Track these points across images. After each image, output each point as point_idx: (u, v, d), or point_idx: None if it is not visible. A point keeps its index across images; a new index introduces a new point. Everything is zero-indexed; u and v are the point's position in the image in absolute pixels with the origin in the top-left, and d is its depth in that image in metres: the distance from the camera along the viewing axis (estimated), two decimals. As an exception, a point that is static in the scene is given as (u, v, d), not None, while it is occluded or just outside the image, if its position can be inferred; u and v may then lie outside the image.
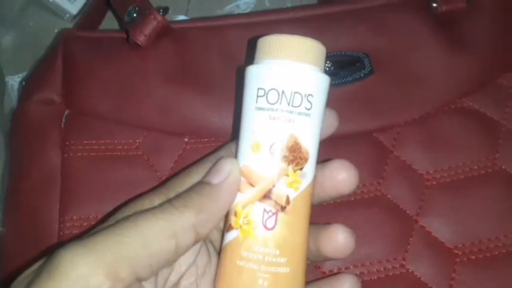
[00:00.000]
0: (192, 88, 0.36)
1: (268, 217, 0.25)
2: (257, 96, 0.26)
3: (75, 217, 0.33)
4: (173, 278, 0.26)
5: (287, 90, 0.26)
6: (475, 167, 0.36)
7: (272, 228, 0.25)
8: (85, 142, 0.34)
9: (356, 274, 0.29)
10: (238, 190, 0.26)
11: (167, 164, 0.35)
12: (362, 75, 0.38)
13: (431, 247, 0.33)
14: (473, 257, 0.33)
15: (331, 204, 0.35)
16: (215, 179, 0.26)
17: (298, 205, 0.26)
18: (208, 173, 0.27)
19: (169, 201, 0.25)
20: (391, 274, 0.32)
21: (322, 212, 0.34)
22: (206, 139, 0.36)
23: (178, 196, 0.26)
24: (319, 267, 0.33)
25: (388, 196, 0.35)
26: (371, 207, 0.34)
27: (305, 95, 0.26)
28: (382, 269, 0.33)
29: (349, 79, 0.38)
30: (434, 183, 0.35)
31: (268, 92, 0.26)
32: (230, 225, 0.26)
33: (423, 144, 0.36)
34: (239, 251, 0.25)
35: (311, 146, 0.26)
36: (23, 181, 0.33)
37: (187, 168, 0.29)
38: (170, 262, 0.24)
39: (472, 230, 0.34)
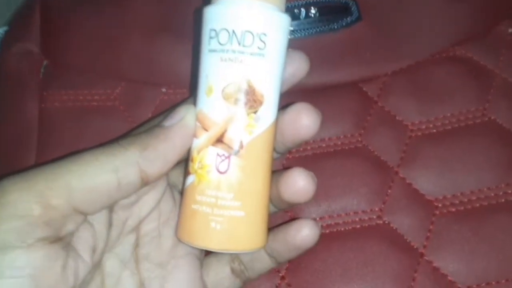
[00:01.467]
0: (171, 38, 0.35)
1: (221, 161, 0.25)
2: (209, 38, 0.26)
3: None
4: (131, 222, 0.26)
5: (237, 29, 0.25)
6: (463, 118, 0.34)
7: (225, 172, 0.25)
8: (62, 92, 0.35)
9: (315, 220, 0.28)
10: (194, 135, 0.26)
11: (144, 115, 0.35)
12: (349, 22, 0.36)
13: (410, 199, 0.32)
14: (453, 209, 0.32)
15: (310, 155, 0.34)
16: (167, 122, 0.26)
17: (253, 149, 0.25)
18: (163, 116, 0.27)
19: (116, 140, 0.25)
20: (366, 225, 0.32)
21: (301, 163, 0.33)
22: (185, 90, 0.36)
23: (128, 135, 0.26)
24: (292, 216, 0.33)
25: (369, 147, 0.34)
26: (351, 158, 0.34)
27: (257, 34, 0.25)
28: (357, 219, 0.32)
29: (335, 26, 0.36)
30: (419, 134, 0.34)
31: (219, 32, 0.25)
32: (188, 170, 0.27)
33: (410, 94, 0.35)
34: (194, 195, 0.25)
35: (266, 89, 0.25)
36: (1, 130, 0.34)
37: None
38: (114, 198, 0.24)
39: (455, 182, 0.32)
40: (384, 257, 0.31)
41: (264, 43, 0.25)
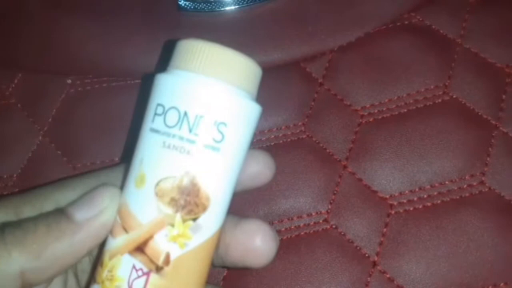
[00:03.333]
0: (78, 14, 0.30)
1: (137, 278, 0.19)
2: (154, 114, 0.20)
3: None
4: None
5: (191, 111, 0.19)
6: (421, 98, 0.29)
7: None
8: None
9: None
10: (111, 233, 0.20)
11: (48, 112, 0.29)
12: (286, -10, 0.31)
13: (360, 197, 0.28)
14: (411, 208, 0.27)
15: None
16: (81, 214, 0.20)
17: (182, 268, 0.19)
18: (76, 201, 0.20)
19: (2, 228, 0.19)
20: (311, 231, 0.27)
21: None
22: (95, 79, 0.30)
23: (21, 223, 0.19)
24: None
25: (313, 138, 0.29)
26: (293, 152, 0.29)
27: (215, 122, 0.19)
28: (301, 225, 0.27)
29: (270, -4, 0.31)
30: (370, 119, 0.29)
31: (167, 110, 0.19)
32: (94, 276, 0.20)
33: (360, 72, 0.30)
34: None
35: (215, 191, 0.20)
36: None
37: (70, 177, 0.22)
38: None
39: (412, 175, 0.27)
40: (331, 269, 0.26)
41: (223, 135, 0.19)
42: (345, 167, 0.28)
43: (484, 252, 0.25)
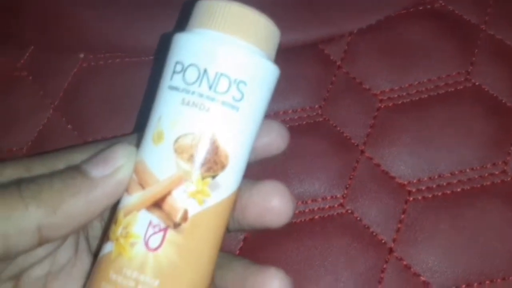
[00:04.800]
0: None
1: (154, 233, 0.18)
2: (173, 72, 0.19)
3: None
4: (14, 269, 0.20)
5: (211, 69, 0.19)
6: (442, 84, 0.28)
7: (155, 249, 0.18)
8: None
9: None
10: (126, 190, 0.19)
11: (59, 86, 0.29)
12: (307, -29, 0.30)
13: (378, 183, 0.27)
14: (429, 195, 0.26)
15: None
16: (97, 171, 0.19)
17: (200, 225, 0.19)
18: (92, 158, 0.20)
19: (18, 183, 0.18)
20: (326, 215, 0.27)
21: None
22: (106, 55, 0.29)
23: (35, 179, 0.19)
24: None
25: (331, 122, 0.28)
26: (310, 135, 0.28)
27: (234, 80, 0.19)
28: (315, 208, 0.27)
29: (291, -23, 0.30)
30: (390, 104, 0.28)
31: (186, 68, 0.19)
32: (108, 233, 0.20)
33: (380, 56, 0.29)
34: (107, 271, 0.19)
35: (234, 150, 0.19)
36: None
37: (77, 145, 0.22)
38: None
39: (432, 161, 0.27)
40: (346, 255, 0.26)
41: (242, 93, 0.19)
42: (362, 152, 0.28)
43: (505, 243, 0.25)
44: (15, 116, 0.28)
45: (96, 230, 0.23)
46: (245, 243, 0.27)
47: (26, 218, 0.17)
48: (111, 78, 0.30)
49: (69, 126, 0.29)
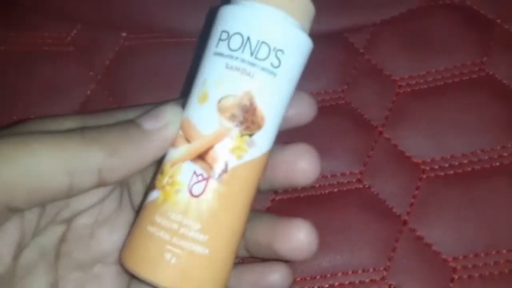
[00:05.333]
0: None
1: (197, 182, 0.21)
2: (219, 40, 0.22)
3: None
4: (65, 213, 0.22)
5: (253, 37, 0.21)
6: (458, 73, 0.30)
7: (198, 196, 0.21)
8: (8, 33, 0.31)
9: (286, 264, 0.24)
10: (172, 144, 0.22)
11: (102, 61, 0.31)
12: (335, -35, 0.32)
13: (394, 161, 0.29)
14: (442, 174, 0.28)
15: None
16: (149, 124, 0.21)
17: (237, 177, 0.21)
18: (144, 114, 0.22)
19: (81, 128, 0.21)
20: (345, 189, 0.29)
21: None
22: (148, 35, 0.32)
23: (94, 127, 0.21)
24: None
25: (352, 104, 0.30)
26: (331, 116, 0.30)
27: (274, 48, 0.21)
28: (335, 183, 0.29)
29: (320, -30, 0.32)
30: (408, 90, 0.30)
31: (231, 36, 0.21)
32: (154, 183, 0.22)
33: (400, 46, 0.31)
34: (153, 215, 0.21)
35: (269, 112, 0.21)
36: None
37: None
38: (59, 199, 0.20)
39: (445, 143, 0.29)
40: (363, 225, 0.28)
41: (280, 60, 0.21)
42: (380, 133, 0.30)
43: (511, 217, 0.27)
44: (62, 87, 0.31)
45: (137, 186, 0.25)
46: (268, 210, 0.29)
47: (88, 158, 0.20)
48: (149, 56, 0.32)
49: (110, 98, 0.31)
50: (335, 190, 0.29)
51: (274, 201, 0.29)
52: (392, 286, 0.26)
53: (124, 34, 0.32)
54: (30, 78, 0.31)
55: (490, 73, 0.30)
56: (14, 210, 0.19)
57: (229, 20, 0.22)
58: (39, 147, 0.19)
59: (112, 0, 0.32)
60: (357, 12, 0.32)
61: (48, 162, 0.19)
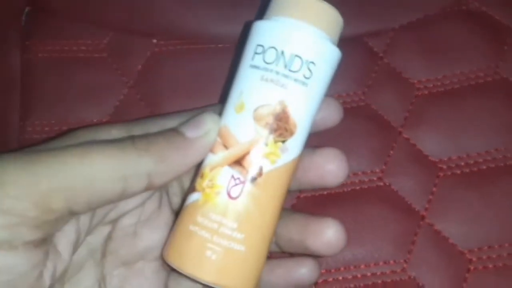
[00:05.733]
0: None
1: (235, 185, 0.23)
2: (254, 53, 0.23)
3: (36, 122, 0.32)
4: (113, 215, 0.24)
5: (287, 51, 0.23)
6: (473, 76, 0.32)
7: (235, 198, 0.22)
8: (46, 42, 0.33)
9: (314, 258, 0.26)
10: (211, 150, 0.24)
11: (134, 67, 0.33)
12: (355, -28, 0.34)
13: (413, 160, 0.31)
14: (458, 172, 0.30)
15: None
16: (191, 132, 0.23)
17: (271, 180, 0.23)
18: (185, 123, 0.24)
19: (131, 138, 0.23)
20: (366, 187, 0.31)
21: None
22: (178, 41, 0.33)
23: (143, 136, 0.23)
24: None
25: (372, 106, 0.32)
26: (352, 117, 0.32)
27: (306, 61, 0.23)
28: (357, 181, 0.31)
29: (340, -23, 0.34)
30: (426, 92, 0.32)
31: (266, 50, 0.23)
32: (194, 186, 0.24)
33: (418, 50, 0.33)
34: (195, 215, 0.23)
35: (301, 120, 0.23)
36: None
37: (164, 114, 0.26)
38: (111, 202, 0.22)
39: (461, 143, 0.31)
40: (384, 220, 0.30)
41: (311, 72, 0.23)
42: (400, 133, 0.32)
43: (524, 213, 0.29)
44: (97, 92, 0.33)
45: (175, 188, 0.27)
46: (293, 206, 0.31)
47: (140, 164, 0.22)
48: (179, 62, 0.34)
49: (142, 103, 0.33)
50: (357, 188, 0.31)
51: (299, 198, 0.31)
52: (412, 277, 0.29)
53: (154, 41, 0.33)
54: (67, 84, 0.33)
55: (505, 76, 0.32)
56: (73, 214, 0.21)
57: (264, 35, 0.23)
58: (97, 156, 0.21)
59: (143, 8, 0.33)
60: (376, 18, 0.34)
61: (105, 170, 0.21)
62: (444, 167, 0.31)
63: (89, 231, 0.24)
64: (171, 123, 0.25)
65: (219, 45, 0.34)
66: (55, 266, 0.21)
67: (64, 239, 0.22)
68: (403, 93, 0.32)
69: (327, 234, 0.24)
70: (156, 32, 0.33)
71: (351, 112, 0.32)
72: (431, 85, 0.32)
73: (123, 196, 0.22)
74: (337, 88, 0.33)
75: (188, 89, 0.33)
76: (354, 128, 0.32)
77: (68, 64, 0.33)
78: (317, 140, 0.26)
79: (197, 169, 0.25)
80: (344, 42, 0.34)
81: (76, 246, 0.23)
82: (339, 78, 0.34)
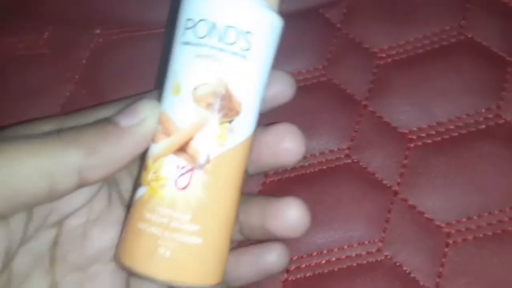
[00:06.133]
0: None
1: (181, 175, 0.21)
2: (185, 28, 0.21)
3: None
4: (54, 217, 0.22)
5: (220, 22, 0.20)
6: (437, 39, 0.30)
7: (184, 188, 0.21)
8: (-22, 41, 0.30)
9: (282, 243, 0.25)
10: (153, 140, 0.22)
11: (79, 61, 0.31)
12: None
13: (381, 133, 0.29)
14: (429, 141, 0.28)
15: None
16: (125, 121, 0.21)
17: (222, 165, 0.21)
18: (120, 111, 0.22)
19: (57, 131, 0.20)
20: (334, 165, 0.29)
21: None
22: (121, 30, 0.31)
23: (71, 128, 0.21)
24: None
25: (334, 81, 0.30)
26: (314, 94, 0.30)
27: (242, 32, 0.21)
28: (324, 160, 0.29)
29: None
30: (389, 61, 0.30)
31: (197, 23, 0.21)
32: (139, 180, 0.22)
33: (376, 17, 0.31)
34: (142, 212, 0.21)
35: (245, 97, 0.21)
36: None
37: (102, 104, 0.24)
38: (41, 203, 0.20)
39: (430, 111, 0.29)
40: (355, 199, 0.28)
41: (249, 43, 0.21)
42: (365, 106, 0.30)
43: (501, 177, 0.27)
44: (40, 90, 0.30)
45: (126, 183, 0.25)
46: (259, 193, 0.29)
47: (67, 158, 0.19)
48: (125, 50, 0.32)
49: (90, 98, 0.31)
50: (324, 167, 0.29)
51: (265, 184, 0.29)
52: (388, 256, 0.27)
53: (97, 31, 0.31)
54: (7, 84, 0.30)
55: (469, 36, 0.30)
56: None
57: (193, 7, 0.21)
58: (15, 153, 0.19)
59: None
60: (331, -13, 0.32)
61: (26, 166, 0.19)
62: (414, 137, 0.29)
63: (28, 237, 0.21)
64: (108, 112, 0.23)
65: (159, 30, 0.32)
66: None
67: None
68: (365, 63, 0.30)
69: (288, 214, 0.22)
70: (98, 22, 0.31)
71: (312, 88, 0.30)
72: (394, 53, 0.30)
73: (53, 195, 0.20)
74: (295, 64, 0.31)
75: (138, 78, 0.31)
76: (316, 105, 0.30)
77: (6, 62, 0.31)
78: (276, 120, 0.24)
79: (143, 161, 0.23)
80: (299, 16, 0.32)
81: (10, 253, 0.20)
82: (296, 54, 0.32)
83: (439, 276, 0.26)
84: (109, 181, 0.24)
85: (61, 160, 0.19)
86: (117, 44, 0.31)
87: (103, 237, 0.24)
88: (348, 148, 0.29)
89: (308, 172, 0.29)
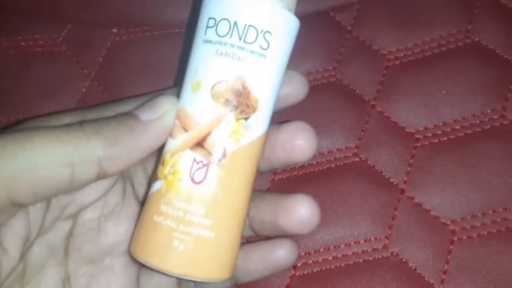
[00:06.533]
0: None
1: (198, 169, 0.21)
2: (207, 27, 0.22)
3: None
4: (71, 209, 0.23)
5: (240, 21, 0.21)
6: (444, 42, 0.31)
7: (200, 182, 0.21)
8: (1, 38, 0.31)
9: (292, 239, 0.25)
10: (170, 135, 0.22)
11: (95, 59, 0.32)
12: None
13: (388, 133, 0.30)
14: (436, 141, 0.29)
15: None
16: (146, 115, 0.22)
17: (237, 161, 0.22)
18: (140, 106, 0.23)
19: (80, 122, 0.21)
20: (342, 164, 0.29)
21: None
22: (138, 29, 0.32)
23: (93, 120, 0.22)
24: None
25: (343, 81, 0.31)
26: (324, 94, 0.31)
27: (261, 31, 0.21)
28: (332, 158, 0.30)
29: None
30: (397, 62, 0.31)
31: (218, 22, 0.22)
32: (156, 174, 0.23)
33: (386, 20, 0.32)
34: (158, 205, 0.22)
35: (262, 94, 0.22)
36: None
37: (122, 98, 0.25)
38: (62, 192, 0.21)
39: (437, 111, 0.29)
40: (362, 196, 0.28)
41: (268, 42, 0.22)
42: (373, 106, 0.30)
43: (505, 176, 0.27)
44: (57, 86, 0.31)
45: (140, 177, 0.25)
46: (268, 190, 0.29)
47: (89, 148, 0.20)
48: (141, 49, 0.33)
49: (106, 94, 0.32)
50: (333, 165, 0.30)
51: (274, 181, 0.30)
52: (394, 253, 0.27)
53: (114, 30, 0.32)
54: (26, 80, 0.31)
55: (476, 39, 0.31)
56: (18, 205, 0.20)
57: (215, 6, 0.22)
58: (39, 140, 0.20)
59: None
60: (341, -9, 0.33)
61: (49, 154, 0.19)
62: (421, 137, 0.29)
63: (45, 228, 0.22)
64: (128, 107, 0.23)
65: (181, 30, 0.32)
66: (0, 263, 0.20)
67: (11, 235, 0.20)
68: (374, 65, 0.31)
69: (299, 211, 0.23)
70: (115, 21, 0.32)
71: (322, 88, 0.31)
72: (402, 55, 0.31)
73: (73, 185, 0.21)
74: (306, 65, 0.32)
75: (152, 76, 0.32)
76: (326, 104, 0.31)
77: (26, 60, 0.32)
78: (286, 118, 0.25)
79: (160, 156, 0.23)
80: (310, 18, 0.33)
81: (27, 243, 0.21)
82: (308, 55, 0.33)
83: (444, 273, 0.27)
84: (124, 176, 0.25)
85: (83, 150, 0.20)
86: (133, 43, 0.32)
87: (117, 231, 0.24)
88: (356, 147, 0.30)
89: (316, 170, 0.30)
